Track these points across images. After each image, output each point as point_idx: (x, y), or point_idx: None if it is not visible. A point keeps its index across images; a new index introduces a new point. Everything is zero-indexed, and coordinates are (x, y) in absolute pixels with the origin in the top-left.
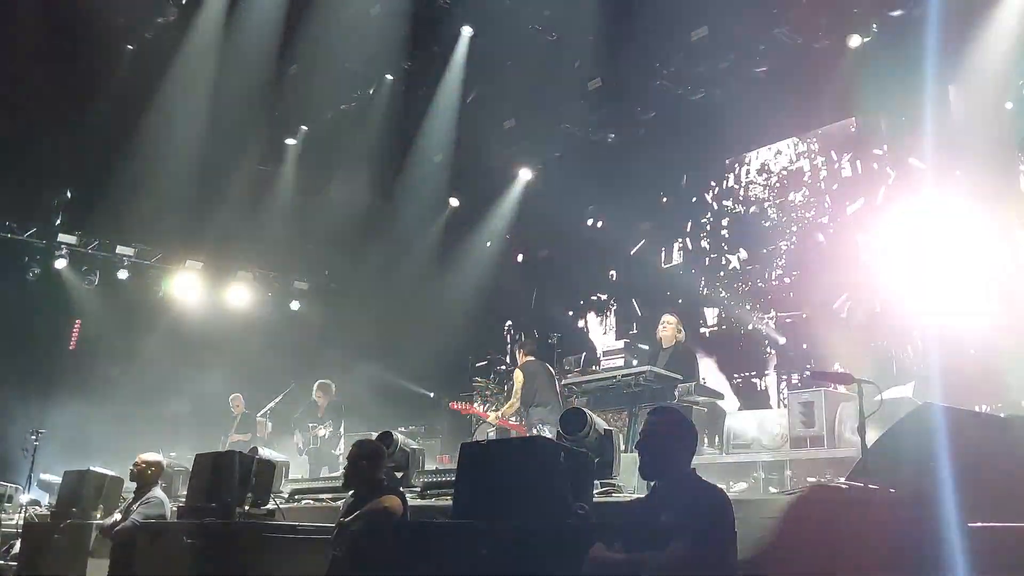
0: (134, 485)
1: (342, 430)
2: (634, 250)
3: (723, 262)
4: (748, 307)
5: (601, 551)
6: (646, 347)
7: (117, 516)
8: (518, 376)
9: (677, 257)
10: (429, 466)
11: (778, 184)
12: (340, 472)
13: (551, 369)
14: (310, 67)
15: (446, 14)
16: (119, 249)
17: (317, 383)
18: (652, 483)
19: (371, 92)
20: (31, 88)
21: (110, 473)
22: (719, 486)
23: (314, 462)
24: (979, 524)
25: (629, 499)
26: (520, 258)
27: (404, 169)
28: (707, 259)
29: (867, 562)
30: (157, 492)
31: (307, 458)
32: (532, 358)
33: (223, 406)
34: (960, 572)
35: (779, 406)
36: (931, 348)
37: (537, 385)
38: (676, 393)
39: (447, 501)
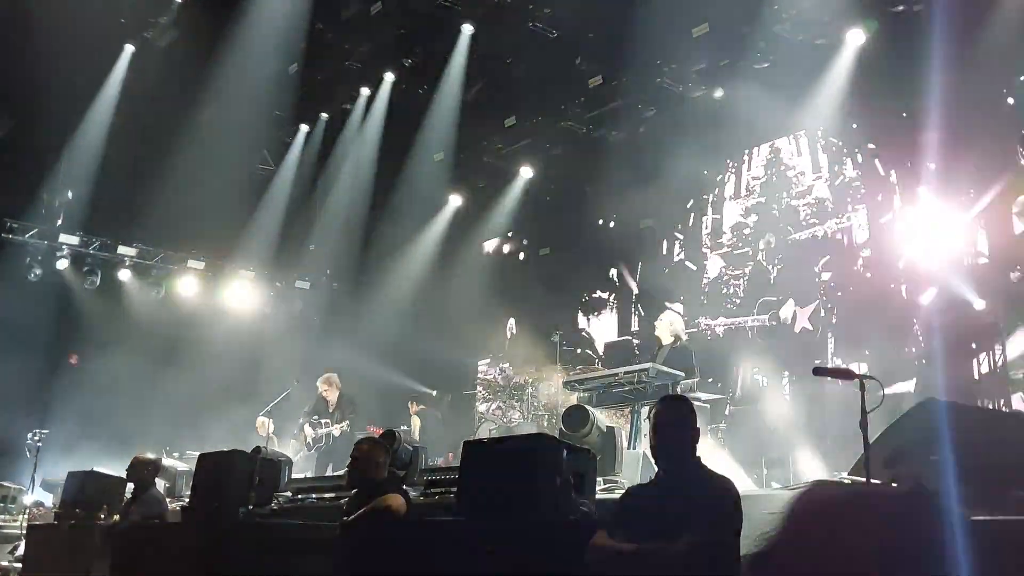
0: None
1: (354, 429)
2: (635, 247)
3: (724, 258)
4: (750, 303)
5: (605, 540)
6: (648, 344)
7: (116, 517)
8: (416, 422)
9: (678, 254)
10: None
11: (780, 181)
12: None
13: (438, 416)
14: (310, 66)
15: (446, 12)
16: (120, 249)
17: (321, 377)
18: (657, 471)
19: (371, 91)
20: (31, 88)
21: (114, 474)
22: (727, 476)
23: (323, 459)
24: (982, 518)
25: (632, 487)
26: (521, 256)
27: (405, 167)
28: (708, 255)
29: (870, 557)
30: (154, 491)
31: (314, 455)
32: (424, 407)
33: (224, 406)
34: (963, 566)
35: (782, 401)
36: (933, 343)
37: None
38: (678, 390)
39: (450, 499)
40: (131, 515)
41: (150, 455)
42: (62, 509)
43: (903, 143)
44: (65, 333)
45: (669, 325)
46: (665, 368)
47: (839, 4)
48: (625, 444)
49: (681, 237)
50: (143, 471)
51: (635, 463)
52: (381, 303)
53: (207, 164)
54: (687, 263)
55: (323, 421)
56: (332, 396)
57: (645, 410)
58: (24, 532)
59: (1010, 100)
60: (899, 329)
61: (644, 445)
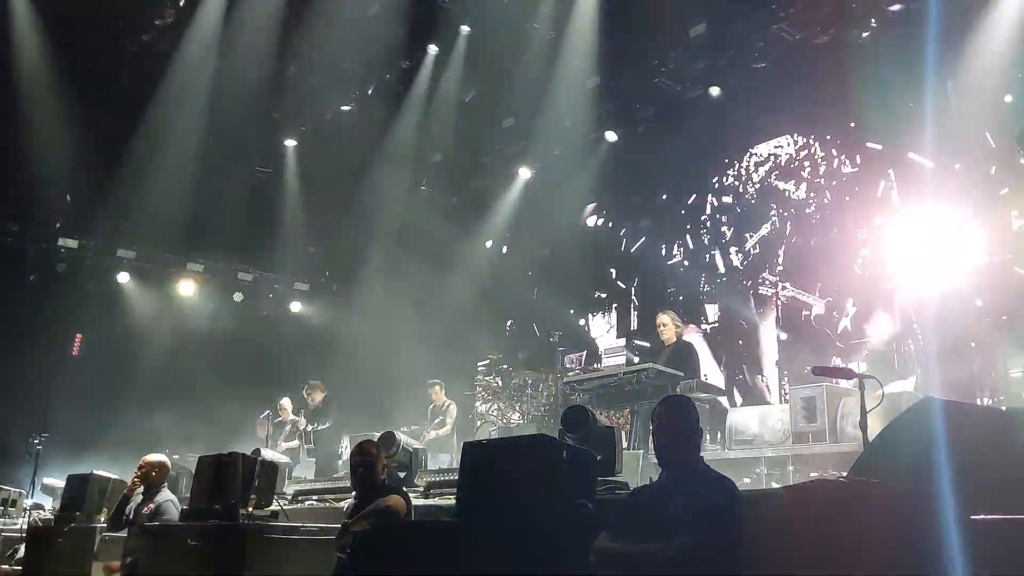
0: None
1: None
2: (634, 248)
3: (723, 258)
4: (749, 303)
5: (606, 542)
6: (647, 344)
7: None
8: (452, 410)
9: (677, 254)
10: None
11: (778, 180)
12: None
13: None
14: (308, 68)
15: (444, 13)
16: (120, 252)
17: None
18: (661, 471)
19: (369, 92)
20: (31, 92)
21: (114, 476)
22: (728, 477)
23: (321, 459)
24: (980, 517)
25: (636, 487)
26: (520, 257)
27: (403, 169)
28: (707, 255)
29: (868, 556)
30: (168, 493)
31: (314, 460)
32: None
33: (224, 408)
34: (961, 565)
35: (781, 401)
36: (931, 342)
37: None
38: (677, 390)
39: (450, 500)
40: (141, 517)
41: (158, 457)
42: (62, 512)
43: (902, 142)
44: (64, 336)
45: (671, 325)
46: (664, 368)
47: (836, 3)
48: (625, 444)
49: (680, 236)
50: (151, 473)
51: (635, 463)
52: (380, 305)
53: (206, 167)
54: (686, 262)
55: (308, 422)
56: (314, 399)
57: (645, 410)
58: (24, 535)
59: (1008, 98)
60: (898, 327)
61: (645, 445)
